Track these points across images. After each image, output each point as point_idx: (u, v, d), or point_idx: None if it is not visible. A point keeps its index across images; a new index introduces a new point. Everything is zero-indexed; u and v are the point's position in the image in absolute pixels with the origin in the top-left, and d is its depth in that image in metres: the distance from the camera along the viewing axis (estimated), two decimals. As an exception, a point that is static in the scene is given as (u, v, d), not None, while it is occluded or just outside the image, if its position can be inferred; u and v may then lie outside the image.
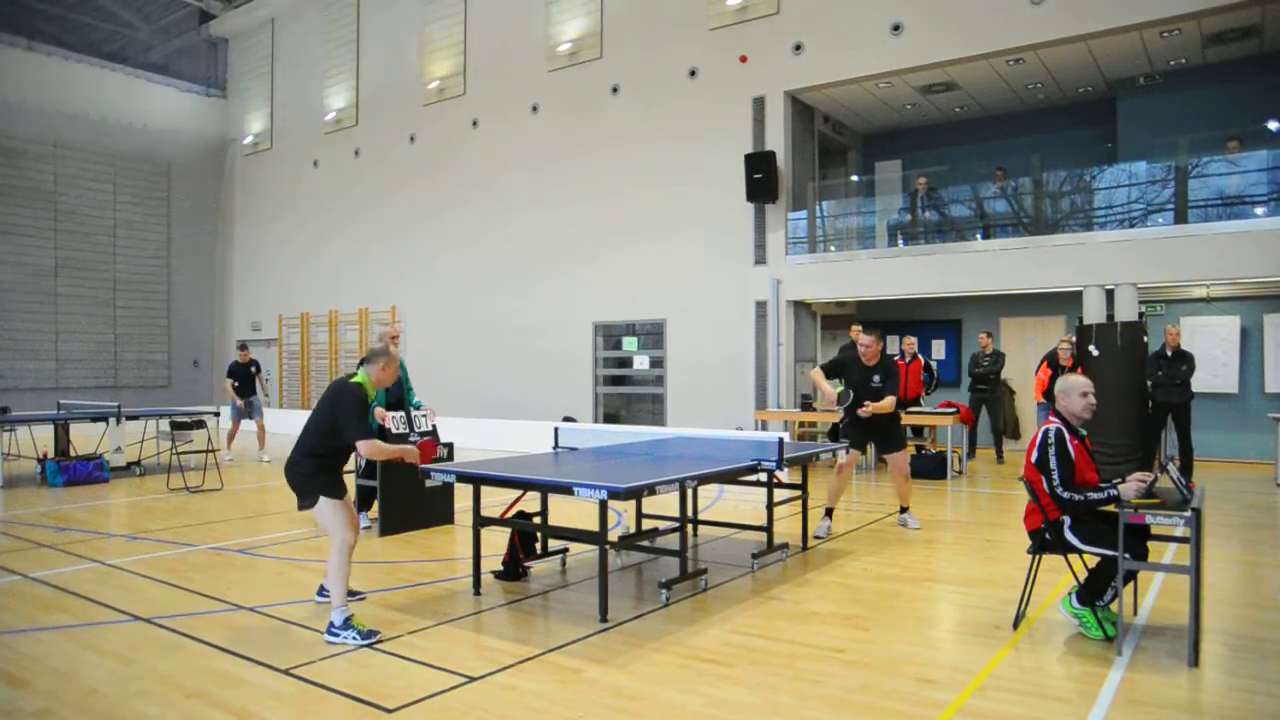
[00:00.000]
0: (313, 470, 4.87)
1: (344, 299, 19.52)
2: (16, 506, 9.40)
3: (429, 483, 5.78)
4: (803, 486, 7.29)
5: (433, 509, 8.08)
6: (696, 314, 14.15)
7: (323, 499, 4.82)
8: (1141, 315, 11.67)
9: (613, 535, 5.66)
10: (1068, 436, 4.63)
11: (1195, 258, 10.66)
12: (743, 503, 8.93)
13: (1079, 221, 12.06)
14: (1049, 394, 5.03)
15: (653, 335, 14.84)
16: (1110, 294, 11.18)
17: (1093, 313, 11.15)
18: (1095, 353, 10.57)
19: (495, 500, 6.56)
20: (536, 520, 6.28)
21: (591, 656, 4.46)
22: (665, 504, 6.70)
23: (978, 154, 14.25)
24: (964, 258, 12.30)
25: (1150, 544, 4.64)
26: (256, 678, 4.18)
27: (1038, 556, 4.84)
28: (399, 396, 7.77)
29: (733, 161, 13.54)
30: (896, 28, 12.44)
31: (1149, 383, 10.64)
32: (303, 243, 20.71)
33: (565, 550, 6.61)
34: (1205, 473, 11.02)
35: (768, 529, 6.75)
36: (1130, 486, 4.47)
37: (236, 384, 13.58)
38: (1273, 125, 11.34)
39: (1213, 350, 12.40)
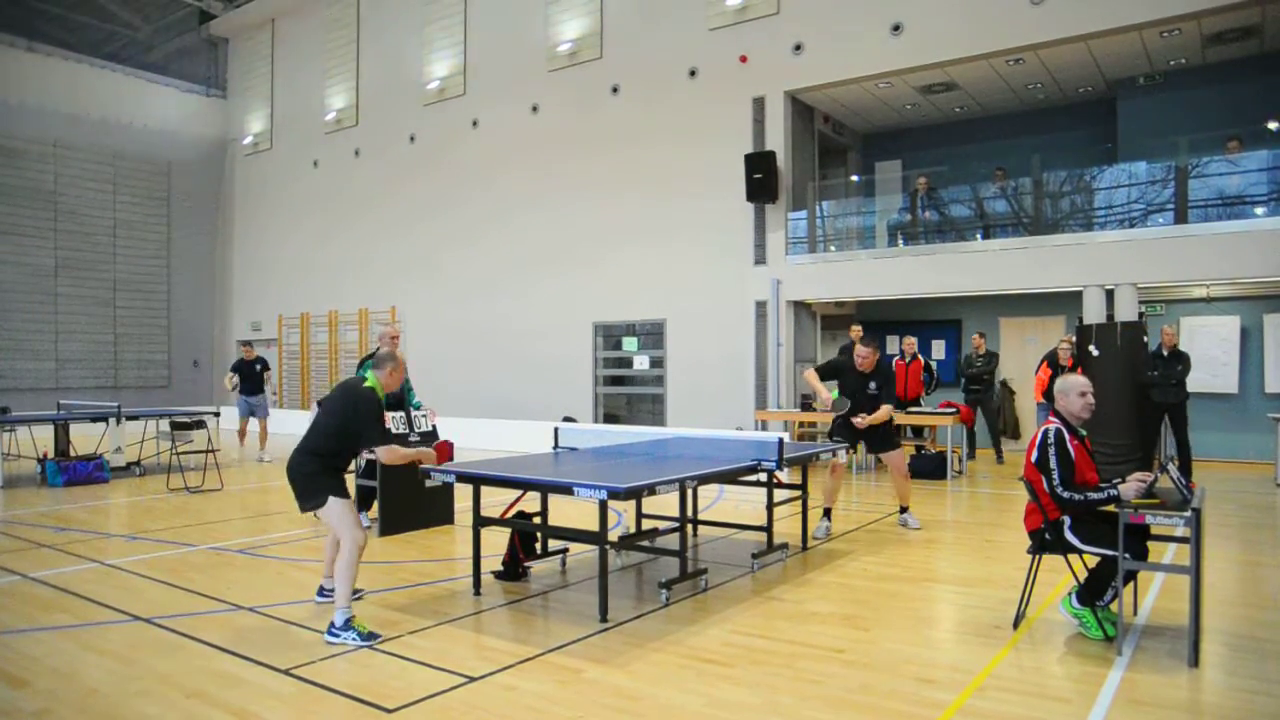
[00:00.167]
0: (318, 470, 4.87)
1: (344, 299, 19.52)
2: (16, 506, 9.40)
3: (429, 483, 5.78)
4: (803, 486, 7.29)
5: (433, 509, 8.08)
6: (696, 314, 14.15)
7: (332, 499, 4.83)
8: (1141, 315, 11.67)
9: (613, 535, 5.66)
10: (1067, 436, 4.63)
11: (1195, 258, 10.66)
12: (743, 503, 8.93)
13: (1079, 221, 12.06)
14: (1049, 394, 5.02)
15: (653, 335, 14.84)
16: (1110, 294, 11.18)
17: (1093, 313, 11.15)
18: (1095, 353, 10.57)
19: (495, 500, 6.56)
20: (536, 520, 6.28)
21: (591, 656, 4.46)
22: (665, 504, 6.70)
23: (978, 154, 14.24)
24: (964, 258, 12.30)
25: (1150, 544, 4.64)
26: (256, 678, 4.18)
27: (1038, 556, 4.84)
28: (399, 396, 7.77)
29: (733, 161, 13.54)
30: (896, 28, 12.44)
31: (1145, 383, 10.62)
32: (303, 243, 20.71)
33: (565, 550, 6.60)
34: (1205, 473, 11.02)
35: (768, 529, 6.74)
36: (1130, 486, 4.47)
37: (237, 378, 13.55)
38: (1273, 125, 11.34)
39: (1213, 350, 12.40)
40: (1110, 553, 4.46)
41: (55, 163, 19.86)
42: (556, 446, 7.36)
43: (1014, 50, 11.93)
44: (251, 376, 13.62)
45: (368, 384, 4.95)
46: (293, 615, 5.23)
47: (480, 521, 5.71)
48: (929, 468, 11.10)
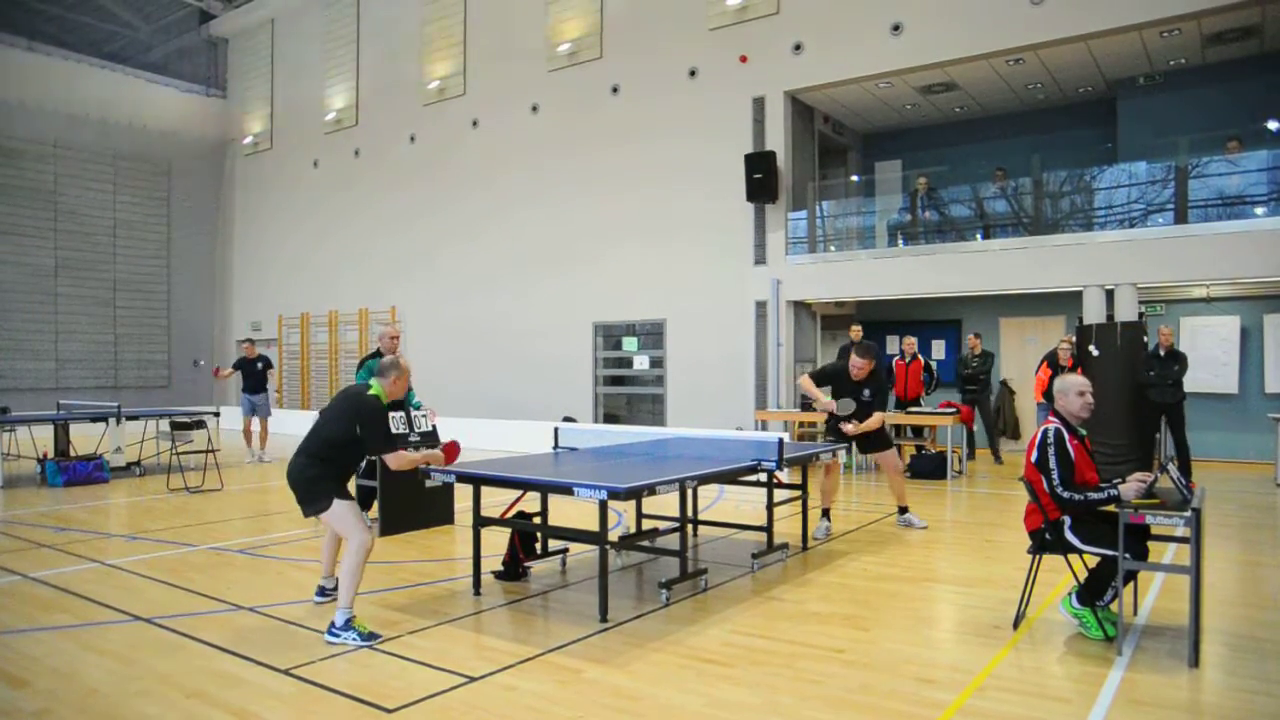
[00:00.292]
0: (320, 475, 4.87)
1: (344, 299, 19.52)
2: (16, 506, 9.40)
3: (429, 483, 5.78)
4: (803, 487, 7.29)
5: (433, 509, 8.08)
6: (696, 314, 14.15)
7: (336, 502, 4.82)
8: (1141, 315, 11.67)
9: (613, 535, 5.66)
10: (1067, 436, 4.63)
11: (1195, 258, 10.66)
12: (743, 503, 8.93)
13: (1079, 221, 12.06)
14: (1049, 394, 5.02)
15: (653, 335, 14.84)
16: (1110, 294, 11.18)
17: (1093, 313, 11.15)
18: (1095, 353, 10.57)
19: (495, 500, 6.56)
20: (536, 520, 6.28)
21: (591, 656, 4.46)
22: (665, 504, 6.70)
23: (978, 154, 14.25)
24: (964, 258, 12.30)
25: (1150, 544, 4.64)
26: (256, 678, 4.18)
27: (1038, 556, 4.84)
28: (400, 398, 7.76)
29: (733, 161, 13.54)
30: (896, 28, 12.44)
31: (1143, 383, 10.61)
32: (303, 243, 20.72)
33: (565, 550, 6.60)
34: (1205, 473, 11.02)
35: (768, 529, 6.74)
36: (1130, 486, 4.47)
37: (230, 370, 13.54)
38: (1273, 125, 11.34)
39: (1213, 350, 12.40)
40: (1110, 553, 4.46)
41: (55, 163, 19.87)
42: (556, 446, 7.36)
43: (1014, 50, 11.92)
44: (253, 375, 13.50)
45: (372, 392, 4.94)
46: (293, 615, 5.22)
47: (480, 521, 5.71)
48: (929, 468, 11.10)
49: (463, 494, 6.69)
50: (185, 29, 22.71)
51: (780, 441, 6.33)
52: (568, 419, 14.42)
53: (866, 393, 7.68)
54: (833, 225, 14.13)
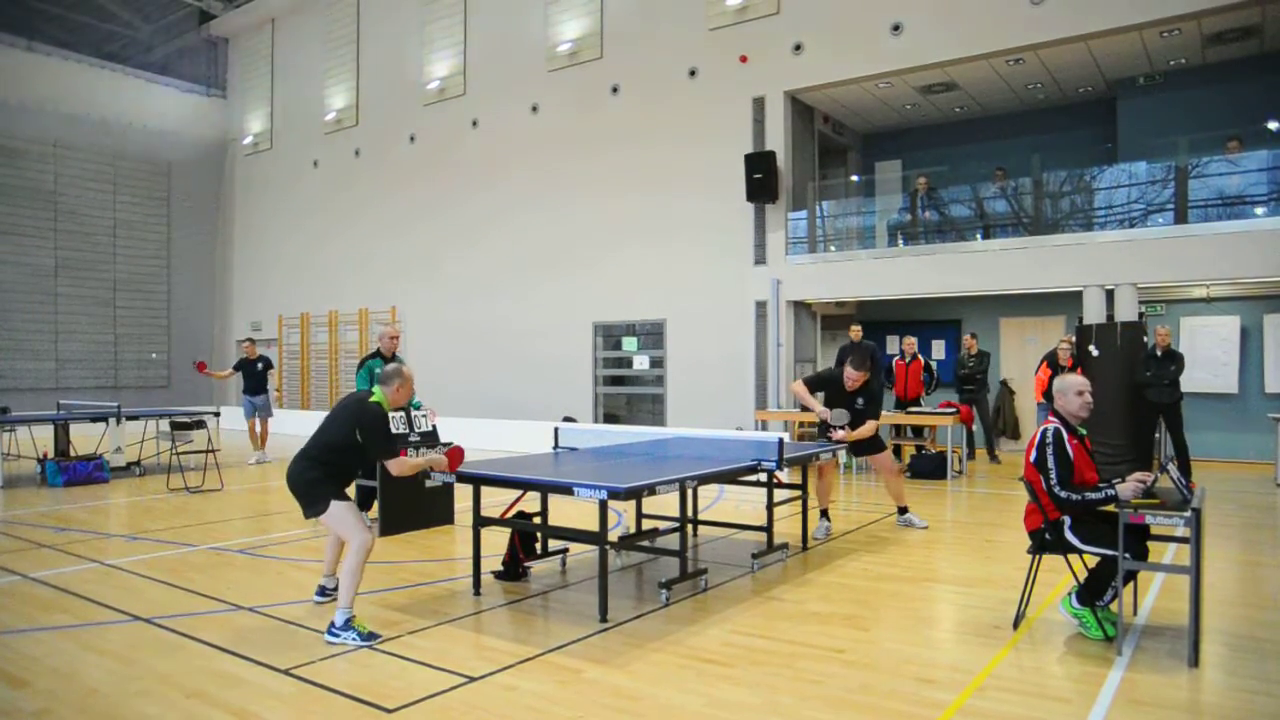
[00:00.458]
0: (320, 478, 4.88)
1: (344, 299, 19.52)
2: (16, 506, 9.40)
3: (429, 483, 5.79)
4: (803, 487, 7.29)
5: (433, 509, 8.08)
6: (696, 314, 14.15)
7: (334, 504, 4.83)
8: (1141, 315, 11.67)
9: (613, 535, 5.66)
10: (1066, 436, 4.63)
11: (1195, 258, 10.65)
12: (743, 503, 8.93)
13: (1079, 221, 12.06)
14: (1049, 394, 5.03)
15: (653, 335, 14.84)
16: (1110, 294, 11.18)
17: (1093, 313, 11.15)
18: (1095, 353, 10.57)
19: (495, 500, 6.56)
20: (536, 520, 6.28)
21: (591, 656, 4.46)
22: (665, 504, 6.70)
23: (978, 154, 14.25)
24: (964, 258, 12.31)
25: (1150, 544, 4.64)
26: (256, 678, 4.18)
27: (1038, 556, 4.84)
28: (400, 400, 7.76)
29: (733, 161, 13.54)
30: (896, 28, 12.44)
31: (1141, 383, 10.61)
32: (303, 243, 20.71)
33: (565, 550, 6.60)
34: (1205, 473, 11.02)
35: (768, 529, 6.74)
36: (1129, 486, 4.47)
37: (231, 373, 13.52)
38: (1273, 125, 11.34)
39: (1213, 350, 12.40)
40: (1110, 553, 4.46)
41: (55, 163, 19.87)
42: (556, 446, 7.36)
43: (1014, 50, 11.93)
44: (253, 376, 13.44)
45: (374, 399, 4.93)
46: (293, 615, 5.23)
47: (480, 521, 5.71)
48: (929, 468, 11.10)
49: (463, 494, 6.69)
50: (185, 29, 22.71)
51: (780, 441, 6.33)
52: (568, 419, 14.42)
53: (860, 401, 7.66)
54: (833, 225, 14.13)
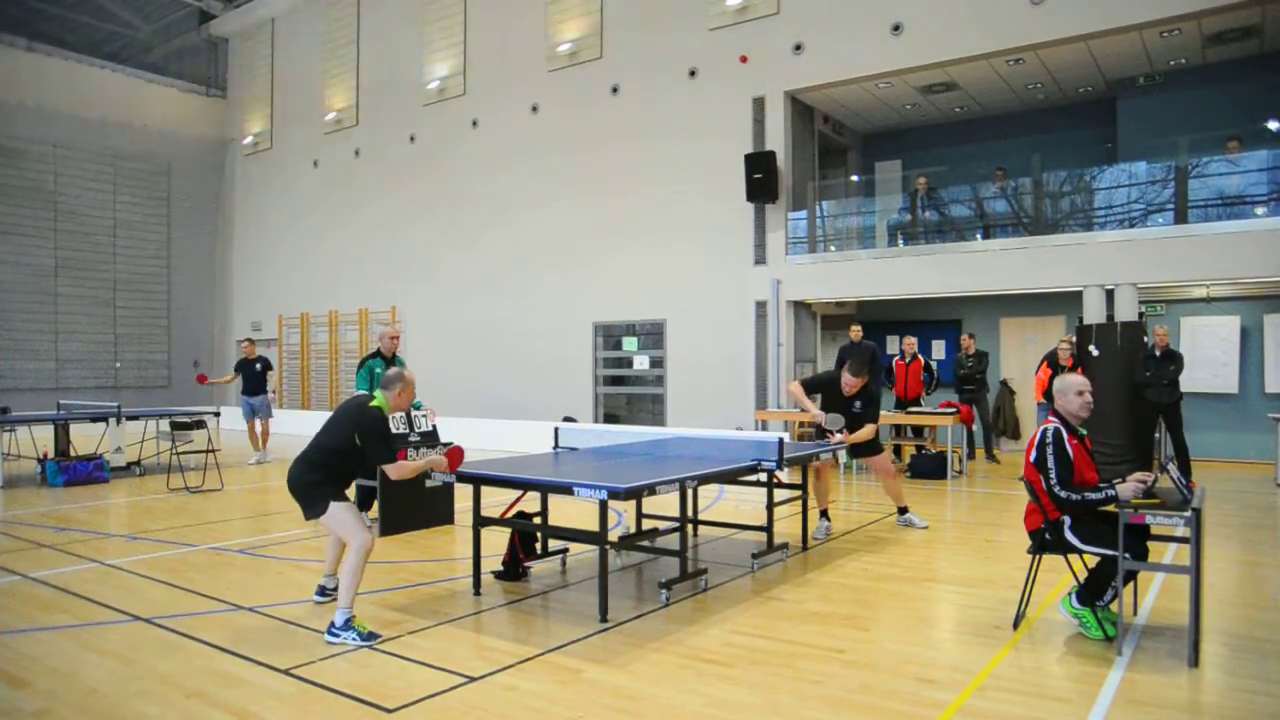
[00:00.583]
0: (319, 480, 4.89)
1: (344, 299, 19.52)
2: (16, 506, 9.40)
3: (429, 483, 5.80)
4: (803, 487, 7.29)
5: (433, 509, 8.08)
6: (696, 314, 14.15)
7: (333, 505, 4.83)
8: (1141, 315, 11.67)
9: (613, 535, 5.66)
10: (1066, 436, 4.63)
11: (1195, 258, 10.65)
12: (743, 503, 8.93)
13: (1079, 221, 12.06)
14: (1049, 394, 5.03)
15: (653, 335, 14.84)
16: (1110, 294, 11.18)
17: (1093, 313, 11.15)
18: (1095, 353, 10.57)
19: (495, 500, 6.56)
20: (536, 520, 6.28)
21: (591, 656, 4.46)
22: (665, 504, 6.70)
23: (978, 154, 14.25)
24: (964, 258, 12.31)
25: (1150, 544, 4.64)
26: (256, 678, 4.18)
27: (1038, 556, 4.84)
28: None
29: (733, 161, 13.54)
30: (896, 28, 12.44)
31: (1140, 383, 10.61)
32: (303, 243, 20.71)
33: (565, 550, 6.60)
34: (1205, 473, 11.02)
35: (768, 529, 6.74)
36: (1129, 486, 4.47)
37: (233, 377, 13.48)
38: (1273, 125, 11.35)
39: (1213, 350, 12.39)
40: (1110, 553, 4.46)
41: (55, 163, 19.87)
42: (556, 446, 7.36)
43: (1014, 50, 11.93)
44: (252, 376, 13.39)
45: (374, 404, 4.93)
46: (293, 615, 5.23)
47: (480, 521, 5.71)
48: (929, 468, 11.10)
49: (463, 494, 6.69)
50: (185, 29, 22.72)
51: (780, 441, 6.33)
52: (568, 419, 14.42)
53: (858, 404, 7.65)
54: (833, 225, 14.13)
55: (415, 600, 5.56)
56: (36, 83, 19.54)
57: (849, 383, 7.58)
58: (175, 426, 11.07)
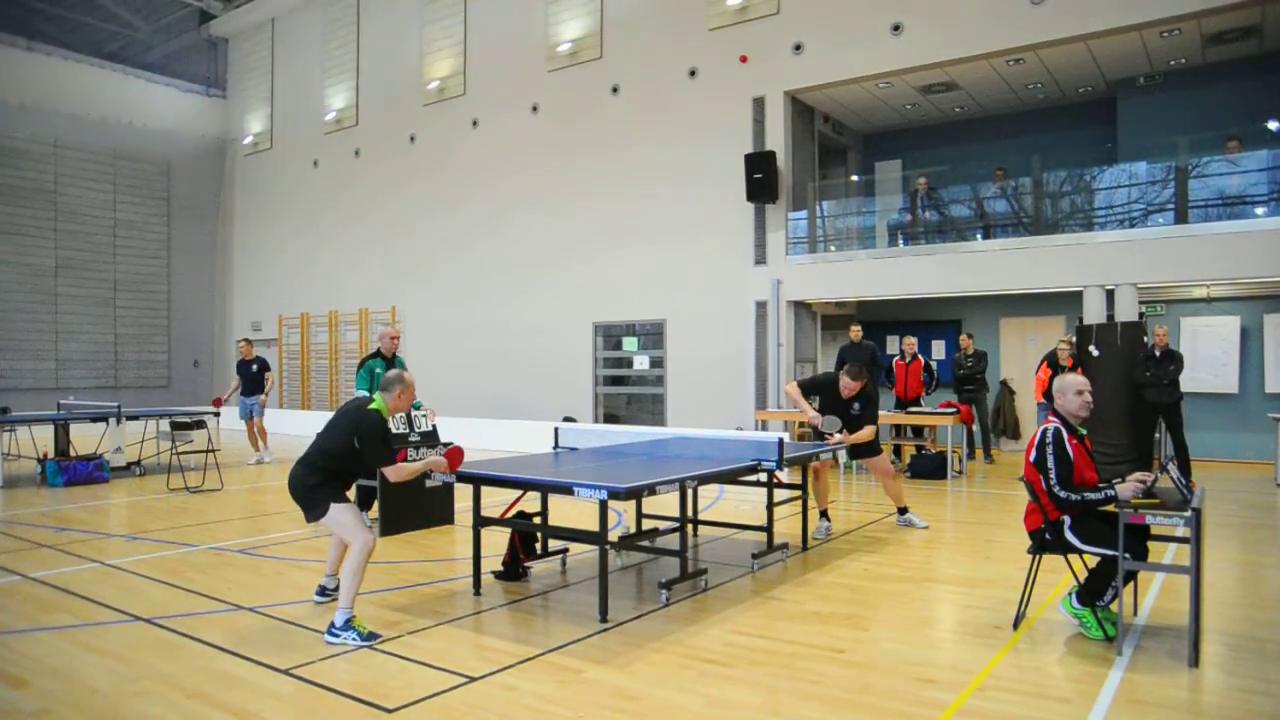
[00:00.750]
0: (319, 482, 4.89)
1: (344, 299, 19.52)
2: (16, 506, 9.40)
3: (429, 483, 5.78)
4: (803, 487, 7.29)
5: (433, 509, 8.08)
6: (696, 314, 14.15)
7: (333, 507, 4.84)
8: (1142, 315, 11.67)
9: (613, 535, 5.66)
10: (1066, 436, 4.63)
11: (1195, 258, 10.65)
12: (743, 503, 8.93)
13: (1079, 221, 12.06)
14: (1049, 394, 5.03)
15: (653, 335, 14.84)
16: (1110, 294, 11.17)
17: (1093, 313, 11.15)
18: (1095, 353, 10.57)
19: (495, 500, 6.56)
20: (536, 520, 6.28)
21: (591, 656, 4.46)
22: (665, 504, 6.70)
23: (978, 154, 14.25)
24: (964, 258, 12.31)
25: (1150, 544, 4.64)
26: (256, 678, 4.18)
27: (1038, 556, 4.84)
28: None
29: (733, 161, 13.54)
30: (896, 28, 12.44)
31: (1140, 383, 10.60)
32: (303, 243, 20.72)
33: (565, 550, 6.60)
34: (1205, 473, 11.02)
35: (768, 529, 6.74)
36: (1129, 486, 4.47)
37: (237, 384, 13.45)
38: (1273, 125, 11.35)
39: (1213, 350, 12.39)
40: (1110, 553, 4.46)
41: (55, 163, 19.87)
42: (556, 446, 7.36)
43: (1014, 50, 11.93)
44: (249, 377, 13.39)
45: (373, 406, 4.93)
46: (293, 615, 5.22)
47: (480, 521, 5.71)
48: (929, 468, 11.10)
49: (463, 494, 6.69)
50: (185, 29, 22.71)
51: (780, 441, 6.33)
52: (568, 419, 14.42)
53: (856, 406, 7.65)
54: (833, 225, 14.13)
55: (415, 600, 5.57)
56: (36, 83, 19.54)
57: (847, 386, 7.58)
58: (175, 426, 11.07)
